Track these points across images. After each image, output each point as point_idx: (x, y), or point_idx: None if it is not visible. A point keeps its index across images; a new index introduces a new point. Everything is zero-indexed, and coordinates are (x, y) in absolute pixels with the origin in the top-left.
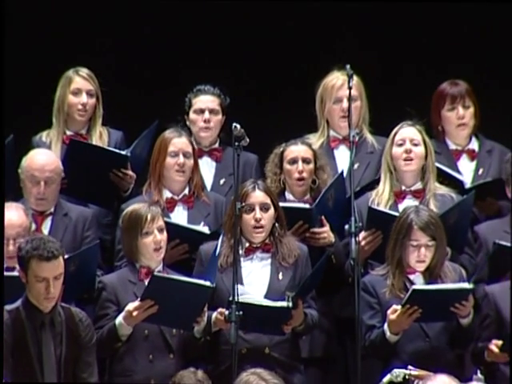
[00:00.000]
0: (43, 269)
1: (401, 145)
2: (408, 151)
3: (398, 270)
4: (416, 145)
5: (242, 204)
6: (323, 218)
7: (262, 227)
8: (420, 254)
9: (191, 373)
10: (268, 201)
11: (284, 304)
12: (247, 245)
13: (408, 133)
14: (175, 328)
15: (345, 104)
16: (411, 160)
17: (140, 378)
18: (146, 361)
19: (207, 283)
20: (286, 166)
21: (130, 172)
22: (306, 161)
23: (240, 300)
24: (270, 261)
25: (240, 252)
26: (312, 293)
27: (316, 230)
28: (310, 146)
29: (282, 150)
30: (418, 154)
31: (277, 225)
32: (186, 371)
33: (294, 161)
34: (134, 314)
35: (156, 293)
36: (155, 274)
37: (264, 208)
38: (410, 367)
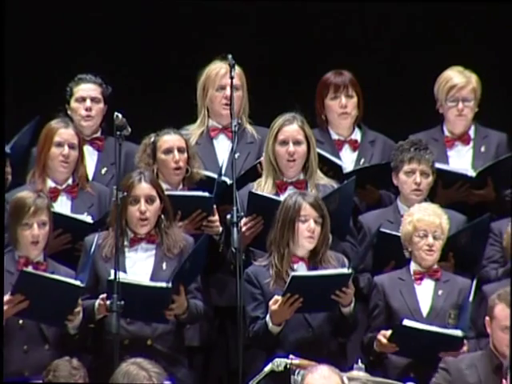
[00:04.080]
0: None
1: (283, 143)
2: (291, 153)
3: (285, 255)
4: (299, 144)
5: (124, 193)
6: (215, 207)
7: (146, 219)
8: (310, 227)
9: (66, 361)
10: (154, 193)
11: (163, 285)
12: (132, 235)
13: (291, 131)
14: (46, 324)
15: (228, 92)
16: (294, 161)
17: (13, 369)
18: (20, 351)
19: (77, 282)
20: (161, 156)
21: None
22: (180, 150)
23: (120, 280)
24: (154, 251)
25: (125, 243)
26: (198, 283)
27: (212, 218)
28: (182, 135)
29: (153, 140)
30: (301, 154)
31: (162, 216)
32: (60, 360)
33: (169, 150)
34: (5, 307)
35: (26, 288)
36: (24, 269)
37: (149, 200)
38: (291, 356)
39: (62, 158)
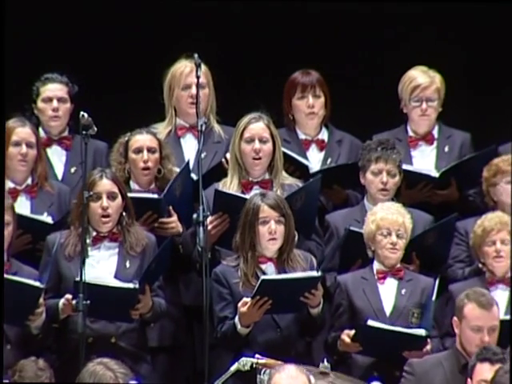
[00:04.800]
0: None
1: (250, 141)
2: (257, 151)
3: (249, 259)
4: (265, 142)
5: (90, 193)
6: (171, 207)
7: (108, 216)
8: (271, 228)
9: (32, 362)
10: (115, 189)
11: (130, 285)
12: (94, 234)
13: (257, 129)
14: (9, 325)
15: (193, 90)
16: (260, 159)
17: None
18: None
19: (37, 283)
20: (132, 156)
21: None
22: (150, 150)
23: (87, 281)
24: (117, 250)
25: (87, 241)
26: (160, 282)
27: (164, 220)
28: (155, 135)
29: (126, 139)
30: (267, 152)
31: (124, 214)
32: (26, 360)
33: (139, 150)
34: None
35: None
36: None
37: (111, 197)
38: (257, 356)
39: (20, 157)
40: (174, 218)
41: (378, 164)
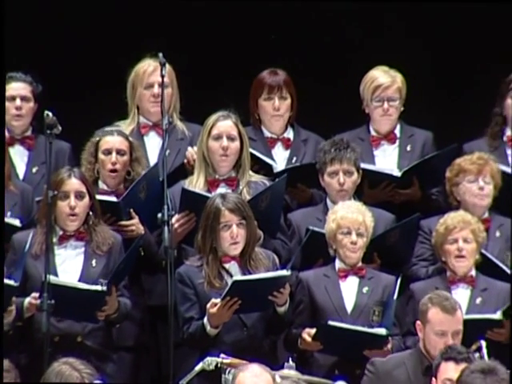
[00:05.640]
0: None
1: (217, 139)
2: (225, 148)
3: (212, 259)
4: (232, 139)
5: (55, 192)
6: (132, 210)
7: (76, 215)
8: (233, 233)
9: None
10: (83, 189)
11: (98, 288)
12: (61, 233)
13: (225, 127)
14: None
15: (156, 89)
16: (227, 156)
17: None
18: None
19: (11, 282)
20: (101, 156)
21: None
22: (120, 152)
23: (54, 282)
24: (83, 249)
25: (54, 240)
26: (125, 281)
27: (123, 222)
28: (126, 137)
29: (98, 139)
30: (234, 150)
31: (91, 213)
32: None
33: (108, 151)
34: None
35: None
36: None
37: (79, 196)
38: (222, 355)
39: None
40: (135, 220)
41: (333, 165)
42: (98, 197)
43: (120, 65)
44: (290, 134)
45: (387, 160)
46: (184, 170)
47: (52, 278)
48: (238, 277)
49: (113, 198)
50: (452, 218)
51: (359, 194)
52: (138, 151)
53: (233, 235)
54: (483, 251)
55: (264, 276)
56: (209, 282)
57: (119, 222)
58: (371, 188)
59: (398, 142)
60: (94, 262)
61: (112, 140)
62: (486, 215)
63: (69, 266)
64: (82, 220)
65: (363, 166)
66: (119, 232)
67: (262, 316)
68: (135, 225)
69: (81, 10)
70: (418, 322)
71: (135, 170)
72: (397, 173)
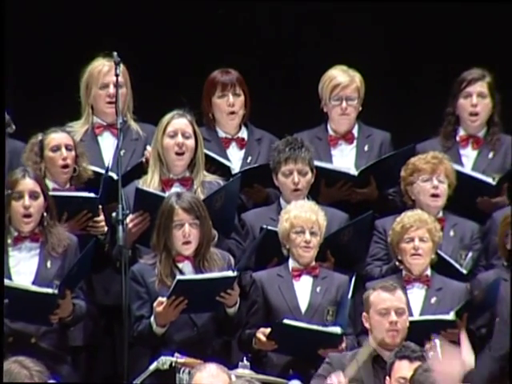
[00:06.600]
0: None
1: (172, 136)
2: (180, 145)
3: (165, 258)
4: (187, 137)
5: (9, 191)
6: (100, 207)
7: (30, 216)
8: (185, 232)
9: None
10: (38, 189)
11: (49, 291)
12: (16, 234)
13: (180, 124)
14: None
15: (111, 89)
16: (182, 153)
17: None
18: None
19: None
20: (49, 154)
21: None
22: (68, 148)
23: (6, 284)
24: (38, 250)
25: (8, 241)
26: (81, 283)
27: (97, 219)
28: (69, 133)
29: (40, 138)
30: (189, 147)
31: (46, 214)
32: None
33: (57, 148)
34: None
35: None
36: None
37: (33, 196)
38: (176, 355)
39: None
40: (102, 217)
41: (287, 165)
42: (77, 193)
43: (73, 64)
44: (244, 133)
45: (345, 160)
46: (139, 170)
47: (5, 280)
48: (182, 276)
49: (91, 194)
50: (409, 216)
51: (316, 193)
52: (80, 147)
53: (185, 234)
54: (438, 251)
55: (208, 276)
56: (161, 280)
57: (95, 219)
58: (328, 187)
59: (355, 142)
60: (48, 264)
61: (59, 136)
62: (440, 215)
63: (23, 267)
64: (36, 221)
65: (320, 164)
66: (92, 228)
67: (212, 316)
68: (103, 221)
69: (34, 9)
70: (364, 314)
71: (80, 166)
72: (354, 172)
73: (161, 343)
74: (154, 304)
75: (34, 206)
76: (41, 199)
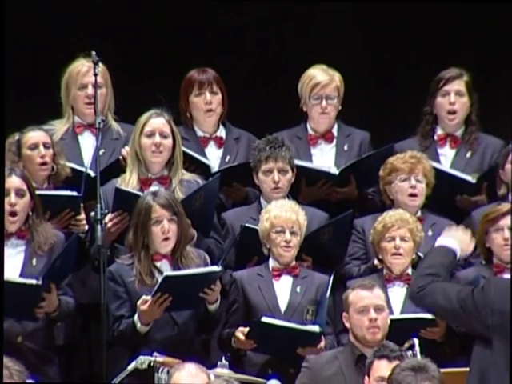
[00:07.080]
0: None
1: (150, 136)
2: (157, 145)
3: (144, 256)
4: (165, 137)
5: None
6: (82, 205)
7: (16, 214)
8: (164, 228)
9: None
10: (24, 187)
11: (33, 282)
12: None
13: (157, 124)
14: None
15: (90, 90)
16: (160, 153)
17: None
18: None
19: None
20: (27, 152)
21: None
22: (46, 145)
23: None
24: (24, 247)
25: None
26: (68, 279)
27: (79, 217)
28: (46, 131)
29: (17, 137)
30: (167, 147)
31: (32, 213)
32: None
33: (35, 146)
34: None
35: None
36: None
37: (20, 194)
38: (155, 354)
39: None
40: (84, 215)
41: (268, 163)
42: (60, 192)
43: (53, 64)
44: (222, 132)
45: (324, 159)
46: (117, 168)
47: None
48: (170, 272)
49: (74, 193)
50: (390, 216)
51: (296, 192)
52: (57, 146)
53: (164, 230)
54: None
55: (195, 271)
56: (140, 280)
57: (77, 217)
58: (309, 186)
59: (335, 141)
60: (34, 261)
61: (37, 134)
62: (419, 214)
63: (8, 264)
64: (22, 219)
65: (301, 163)
66: (74, 227)
67: (193, 314)
68: (84, 219)
69: (15, 9)
70: (344, 314)
71: (58, 164)
72: (335, 171)
73: (143, 342)
74: (138, 302)
75: (20, 203)
76: (27, 197)
